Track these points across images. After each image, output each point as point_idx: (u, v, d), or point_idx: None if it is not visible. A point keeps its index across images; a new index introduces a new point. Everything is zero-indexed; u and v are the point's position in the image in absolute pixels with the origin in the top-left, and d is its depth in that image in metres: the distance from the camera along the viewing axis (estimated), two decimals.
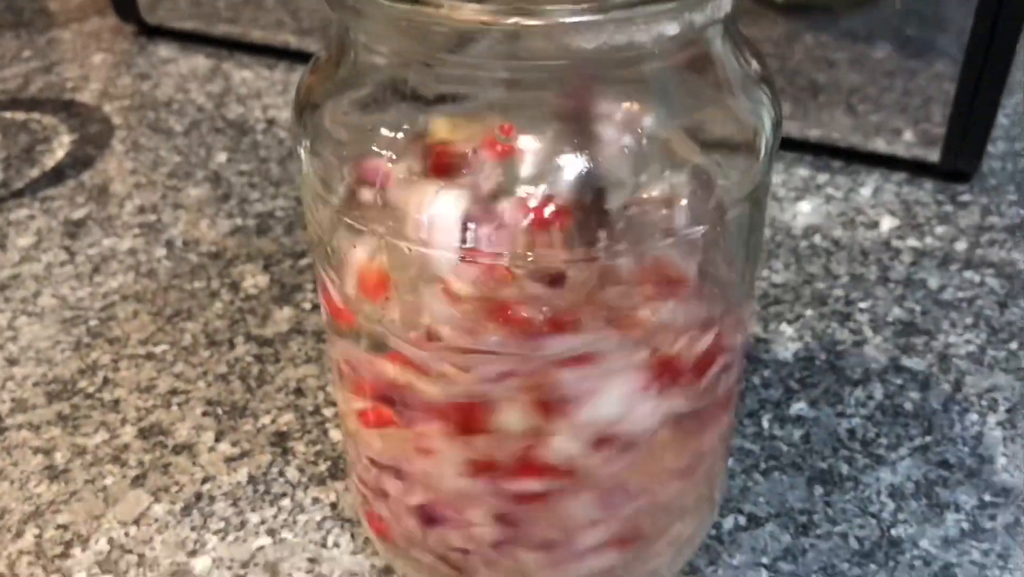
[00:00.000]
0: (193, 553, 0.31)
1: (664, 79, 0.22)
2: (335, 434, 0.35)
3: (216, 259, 0.43)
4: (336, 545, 0.31)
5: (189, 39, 0.61)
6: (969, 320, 0.39)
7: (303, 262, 0.43)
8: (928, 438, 0.34)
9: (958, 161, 0.47)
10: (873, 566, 0.30)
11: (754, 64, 0.24)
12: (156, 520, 0.32)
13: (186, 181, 0.48)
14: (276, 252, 0.43)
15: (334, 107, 0.24)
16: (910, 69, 0.47)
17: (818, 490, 0.32)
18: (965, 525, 0.31)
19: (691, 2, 0.20)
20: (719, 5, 0.21)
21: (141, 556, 0.31)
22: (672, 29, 0.20)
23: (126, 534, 0.32)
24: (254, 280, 0.42)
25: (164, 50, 0.60)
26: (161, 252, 0.44)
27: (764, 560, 0.30)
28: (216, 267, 0.43)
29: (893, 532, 0.31)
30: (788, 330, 0.39)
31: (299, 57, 0.58)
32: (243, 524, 0.32)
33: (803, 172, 0.48)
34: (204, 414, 0.36)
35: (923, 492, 0.32)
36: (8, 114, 0.54)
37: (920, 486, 0.32)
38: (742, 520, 0.32)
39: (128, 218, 0.46)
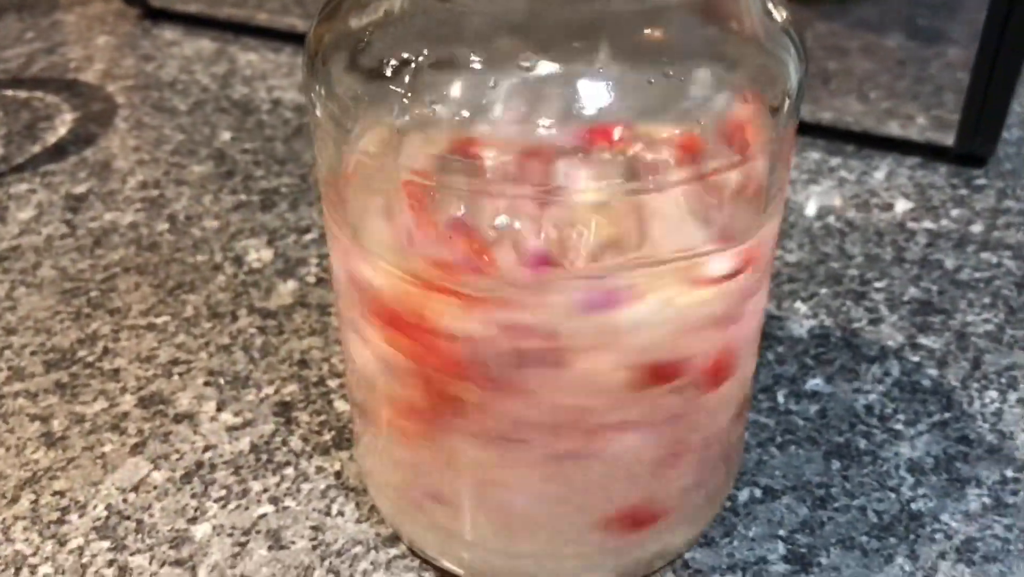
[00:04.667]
0: (193, 520, 0.30)
1: (686, 16, 0.21)
2: (340, 404, 0.34)
3: (219, 233, 0.42)
4: (340, 514, 0.30)
5: (194, 22, 0.60)
6: (987, 300, 0.38)
7: (308, 237, 0.42)
8: (947, 414, 0.33)
9: (973, 145, 0.46)
10: (893, 539, 0.29)
11: (781, 11, 0.24)
12: (155, 487, 0.31)
13: (190, 158, 0.48)
14: (280, 227, 0.43)
15: (346, 52, 0.23)
16: (921, 57, 0.47)
17: (835, 464, 0.32)
18: (987, 500, 0.30)
19: None
20: None
21: (139, 522, 0.30)
22: None
23: (124, 501, 0.31)
24: (258, 254, 0.41)
25: (169, 33, 0.60)
26: (163, 226, 0.43)
27: (781, 532, 0.29)
28: (219, 241, 0.42)
29: (913, 506, 0.30)
30: (802, 308, 0.38)
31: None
32: (245, 492, 0.31)
33: (815, 155, 0.47)
34: (206, 384, 0.35)
35: (943, 467, 0.31)
36: (10, 92, 0.53)
37: (940, 461, 0.32)
38: (758, 492, 0.31)
39: (130, 193, 0.45)
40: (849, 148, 0.48)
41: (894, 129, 0.47)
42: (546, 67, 0.20)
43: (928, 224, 0.43)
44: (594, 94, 0.20)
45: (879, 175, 0.46)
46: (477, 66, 0.20)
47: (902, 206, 0.44)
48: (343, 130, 0.23)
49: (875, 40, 0.48)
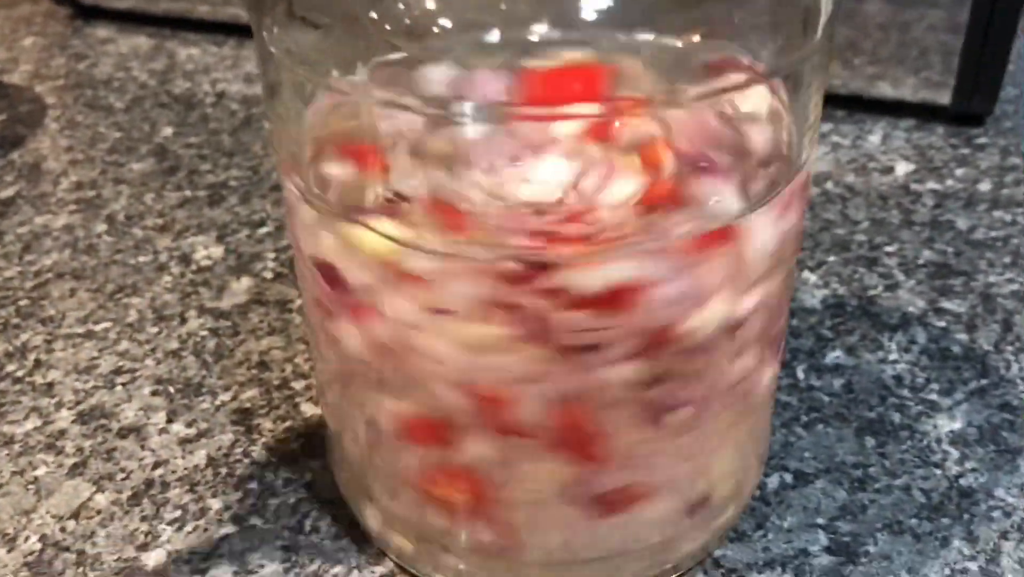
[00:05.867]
0: (144, 547, 0.26)
1: None
2: (307, 408, 0.30)
3: (164, 232, 0.38)
4: (315, 530, 0.26)
5: (129, 19, 0.56)
6: (1007, 259, 0.35)
7: (262, 231, 0.38)
8: (984, 381, 0.30)
9: (972, 103, 0.43)
10: (946, 520, 0.26)
11: None
12: (99, 512, 0.27)
13: (129, 156, 0.43)
14: (231, 222, 0.39)
15: None
16: (902, 21, 0.44)
17: (870, 441, 0.28)
18: None
19: None
20: None
21: (80, 553, 0.26)
22: None
23: (62, 529, 0.27)
24: (207, 251, 0.37)
25: (102, 31, 0.56)
26: (101, 227, 0.39)
27: (819, 520, 0.26)
28: (164, 240, 0.38)
29: (962, 482, 0.27)
30: (812, 277, 0.35)
31: (249, 32, 0.53)
32: (203, 512, 0.27)
33: None
34: (153, 394, 0.31)
35: (988, 438, 0.28)
36: None
37: (984, 431, 0.28)
38: (788, 478, 0.27)
39: (64, 195, 0.41)
40: (839, 113, 0.45)
41: (886, 91, 0.45)
42: None
43: (933, 185, 0.40)
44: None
45: (874, 139, 0.43)
46: None
47: (903, 168, 0.41)
48: (309, 71, 0.19)
49: (853, 7, 0.45)
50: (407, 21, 0.17)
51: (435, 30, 0.17)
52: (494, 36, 0.17)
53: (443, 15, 0.17)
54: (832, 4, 0.19)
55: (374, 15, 0.17)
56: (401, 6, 0.17)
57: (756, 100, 0.18)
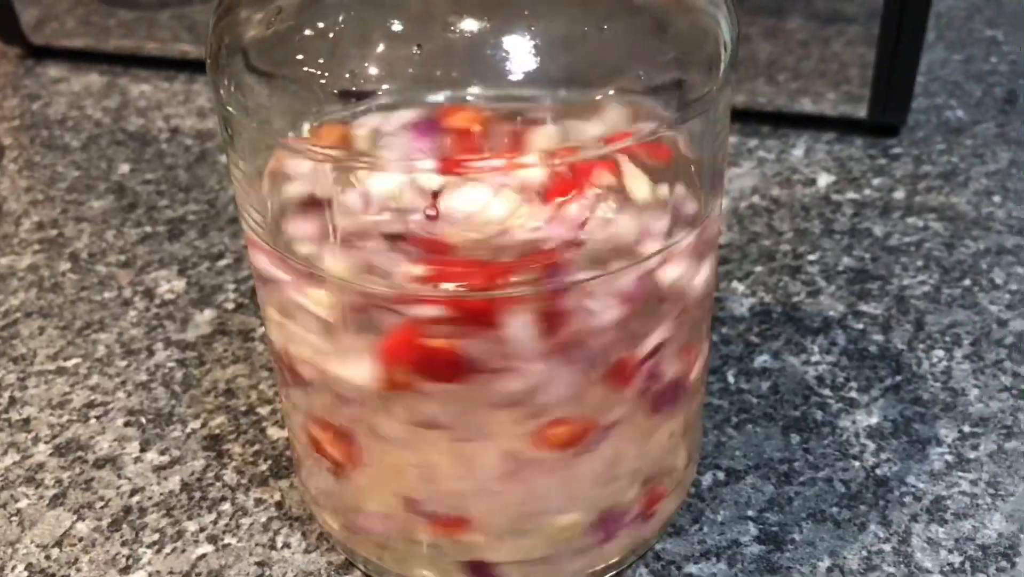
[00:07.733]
0: (126, 569, 0.28)
1: None
2: (273, 432, 0.32)
3: (126, 268, 0.40)
4: (286, 545, 0.28)
5: (80, 57, 0.57)
6: (920, 263, 0.38)
7: (222, 263, 0.40)
8: (898, 378, 0.33)
9: (886, 115, 0.46)
10: (863, 507, 0.28)
11: None
12: (81, 539, 0.29)
13: (88, 194, 0.45)
14: (191, 256, 0.40)
15: (251, 42, 0.22)
16: (823, 37, 0.47)
17: (795, 438, 0.31)
18: (949, 458, 0.30)
19: None
20: None
21: None
22: None
23: (47, 557, 0.28)
24: (169, 285, 0.39)
25: (53, 70, 0.57)
26: (65, 266, 0.40)
27: (750, 513, 0.28)
28: (127, 276, 0.39)
29: (878, 472, 0.29)
30: (740, 287, 0.37)
31: (199, 67, 0.55)
32: (180, 534, 0.29)
33: (732, 139, 0.47)
34: (126, 424, 0.33)
35: (902, 430, 0.31)
36: None
37: (898, 425, 0.31)
38: (721, 475, 0.30)
39: (26, 235, 0.42)
40: (765, 129, 0.48)
41: (807, 106, 0.47)
42: (472, 25, 0.18)
43: (852, 195, 0.42)
44: (524, 55, 0.19)
45: (797, 152, 0.46)
46: (397, 29, 0.19)
47: (824, 180, 0.44)
48: (260, 127, 0.21)
49: (776, 24, 0.48)
50: (353, 88, 0.19)
51: (379, 92, 0.20)
52: (431, 95, 0.19)
53: (385, 80, 0.19)
54: (730, 51, 0.22)
55: (323, 81, 0.20)
56: (348, 75, 0.19)
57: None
